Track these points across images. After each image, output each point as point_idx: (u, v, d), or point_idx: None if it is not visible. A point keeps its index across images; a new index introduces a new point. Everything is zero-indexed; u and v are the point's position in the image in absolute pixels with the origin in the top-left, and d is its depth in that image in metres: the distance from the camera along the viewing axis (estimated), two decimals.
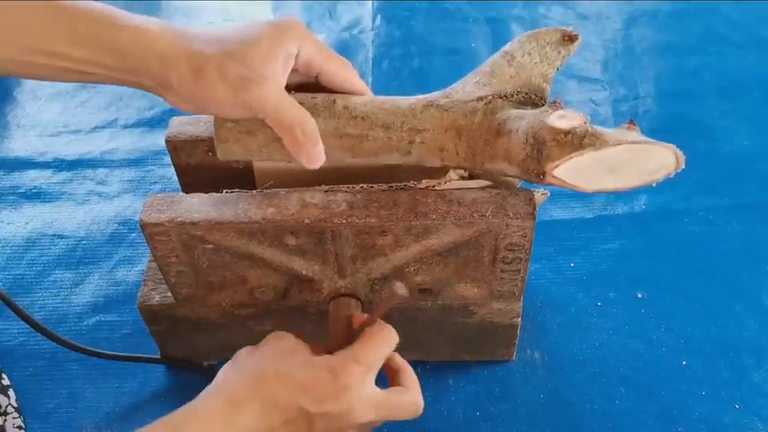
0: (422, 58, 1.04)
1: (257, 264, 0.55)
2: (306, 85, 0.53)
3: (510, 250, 0.53)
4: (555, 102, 0.48)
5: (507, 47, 0.54)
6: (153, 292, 0.61)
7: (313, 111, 0.51)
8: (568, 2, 1.13)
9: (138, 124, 0.94)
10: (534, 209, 0.51)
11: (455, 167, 0.54)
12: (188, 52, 0.46)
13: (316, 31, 1.10)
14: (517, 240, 0.52)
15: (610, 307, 0.71)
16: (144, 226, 0.52)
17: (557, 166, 0.45)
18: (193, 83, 0.46)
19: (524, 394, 0.65)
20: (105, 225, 0.82)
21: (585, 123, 0.45)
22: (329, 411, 0.44)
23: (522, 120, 0.48)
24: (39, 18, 0.45)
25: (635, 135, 0.45)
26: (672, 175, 0.46)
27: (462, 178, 0.54)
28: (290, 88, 0.51)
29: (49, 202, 0.84)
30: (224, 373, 0.46)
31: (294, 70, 0.50)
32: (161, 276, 0.58)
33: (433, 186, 0.54)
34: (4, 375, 0.66)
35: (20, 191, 0.86)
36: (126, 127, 0.94)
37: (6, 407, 0.63)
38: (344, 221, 0.51)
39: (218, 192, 0.55)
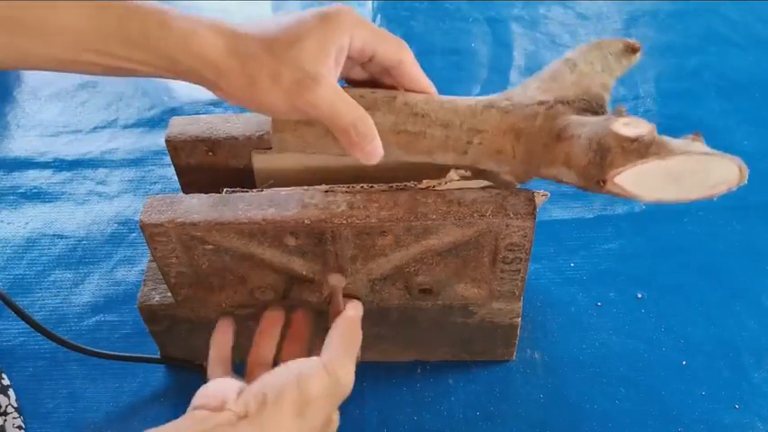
0: (422, 58, 1.02)
1: (257, 264, 0.55)
2: (364, 83, 0.53)
3: (510, 250, 0.53)
4: (619, 109, 0.47)
5: (569, 54, 0.54)
6: (153, 292, 0.61)
7: (373, 105, 0.50)
8: (568, 2, 1.13)
9: (138, 124, 0.94)
10: (534, 209, 0.51)
11: (509, 171, 0.53)
12: (240, 59, 0.45)
13: None
14: (517, 240, 0.52)
15: (610, 307, 0.71)
16: (144, 227, 0.52)
17: (619, 173, 0.44)
18: (246, 90, 0.46)
19: (524, 394, 0.65)
20: (105, 225, 0.82)
21: (652, 132, 0.44)
22: None
23: (584, 126, 0.48)
24: (88, 17, 0.43)
25: (700, 146, 0.45)
26: (733, 190, 0.45)
27: (463, 178, 0.54)
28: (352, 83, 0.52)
29: (49, 202, 0.84)
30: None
31: (348, 57, 0.49)
32: (161, 276, 0.58)
33: (434, 186, 0.54)
34: (4, 375, 0.66)
35: (20, 191, 0.86)
36: (126, 127, 0.94)
37: (6, 407, 0.63)
38: (344, 222, 0.51)
39: (219, 192, 0.55)
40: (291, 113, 0.47)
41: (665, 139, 0.44)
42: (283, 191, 0.54)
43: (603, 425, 0.62)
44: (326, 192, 0.54)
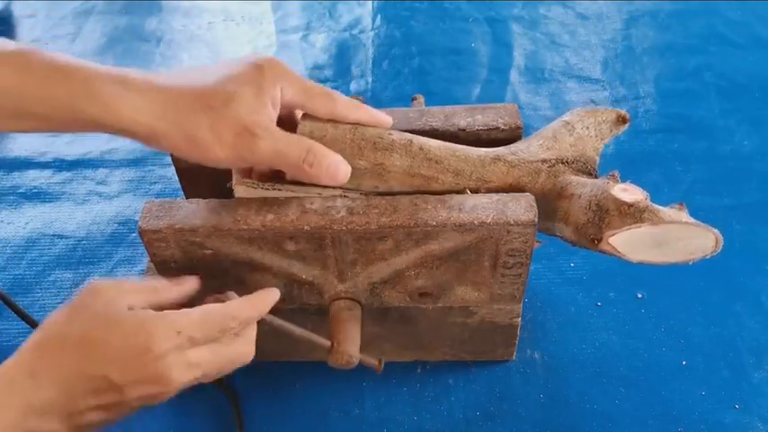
0: (422, 58, 1.04)
1: (257, 269, 0.55)
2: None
3: (511, 255, 0.53)
4: (614, 174, 0.51)
5: (567, 117, 0.58)
6: None
7: (390, 148, 0.53)
8: (568, 2, 1.13)
9: None
10: (535, 215, 0.51)
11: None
12: (175, 121, 0.46)
13: (315, 31, 1.10)
14: (518, 246, 0.52)
15: (610, 307, 0.71)
16: (142, 232, 0.52)
17: (614, 235, 0.49)
18: (189, 147, 0.47)
19: (524, 394, 0.65)
20: (105, 225, 0.82)
21: (646, 199, 0.49)
22: (139, 379, 0.42)
23: (584, 186, 0.52)
24: (16, 83, 0.44)
25: (685, 216, 0.49)
26: (708, 257, 0.50)
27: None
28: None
29: (49, 202, 0.84)
30: (31, 337, 0.42)
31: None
32: None
33: None
34: None
35: (20, 191, 0.86)
36: None
37: None
38: (344, 228, 0.51)
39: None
40: (238, 164, 0.49)
41: (657, 207, 0.49)
42: (282, 196, 0.54)
43: (603, 425, 0.62)
44: (325, 197, 0.53)
